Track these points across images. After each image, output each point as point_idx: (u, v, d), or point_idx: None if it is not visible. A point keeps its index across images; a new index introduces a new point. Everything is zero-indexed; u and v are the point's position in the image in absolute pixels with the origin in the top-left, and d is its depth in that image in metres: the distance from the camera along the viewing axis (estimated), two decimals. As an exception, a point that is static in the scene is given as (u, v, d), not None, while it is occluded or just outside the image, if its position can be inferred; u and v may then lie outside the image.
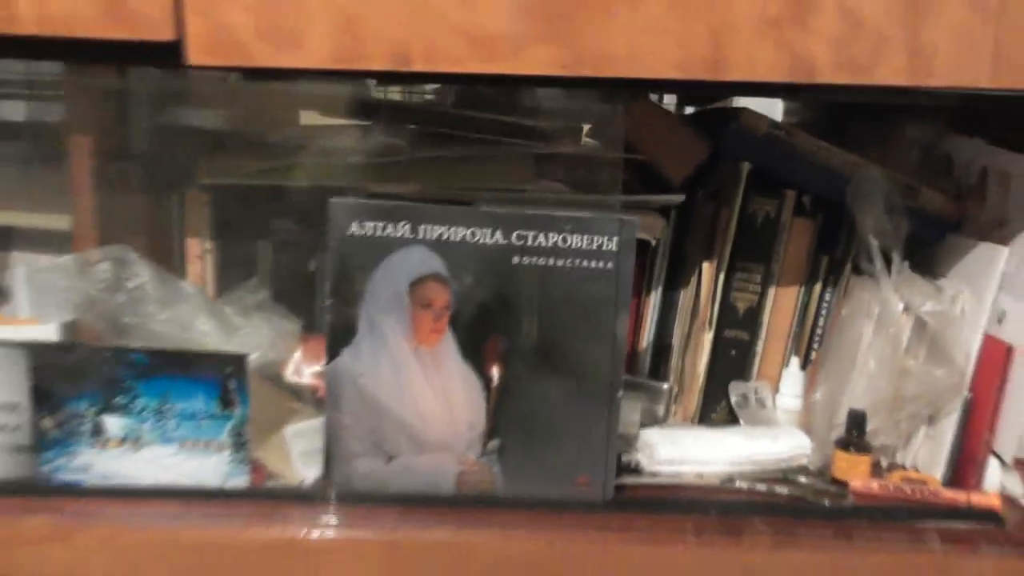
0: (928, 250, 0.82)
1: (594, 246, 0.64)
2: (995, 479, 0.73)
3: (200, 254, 0.80)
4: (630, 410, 0.81)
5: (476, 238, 0.63)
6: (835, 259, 0.82)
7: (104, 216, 0.77)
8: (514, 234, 0.63)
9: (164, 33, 0.56)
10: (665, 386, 0.83)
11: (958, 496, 0.71)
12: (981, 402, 0.73)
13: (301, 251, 0.78)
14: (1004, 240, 0.74)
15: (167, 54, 0.57)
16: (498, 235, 0.63)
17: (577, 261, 0.64)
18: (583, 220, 0.63)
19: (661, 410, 0.83)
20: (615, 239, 0.64)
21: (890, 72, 0.55)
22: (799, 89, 0.82)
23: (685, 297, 0.84)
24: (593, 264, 0.64)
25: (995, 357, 0.72)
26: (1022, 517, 0.69)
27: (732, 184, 0.81)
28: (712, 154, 0.85)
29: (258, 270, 0.80)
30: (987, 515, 0.69)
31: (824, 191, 0.82)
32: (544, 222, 0.64)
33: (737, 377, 0.84)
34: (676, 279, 0.85)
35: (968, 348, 0.73)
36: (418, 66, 0.56)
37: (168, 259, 0.79)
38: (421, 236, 0.63)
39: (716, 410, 0.84)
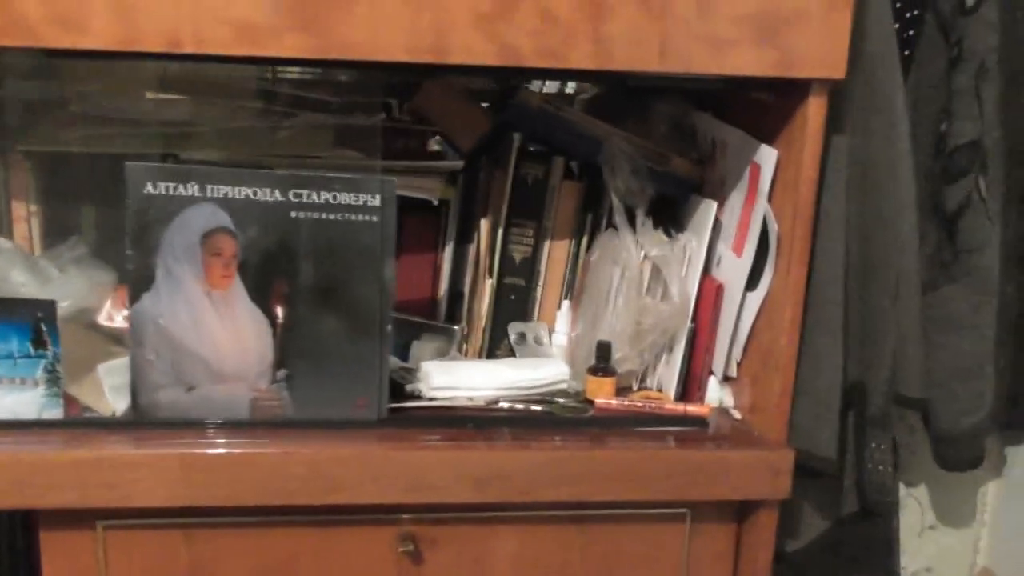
0: (678, 208, 0.97)
1: (360, 202, 0.75)
2: (714, 393, 0.89)
3: (25, 216, 0.88)
4: (423, 349, 0.94)
5: (258, 196, 0.74)
6: (598, 216, 0.97)
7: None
8: (291, 192, 0.74)
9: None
10: (456, 328, 0.96)
11: (677, 407, 0.86)
12: (701, 331, 0.89)
13: (119, 211, 0.87)
14: (720, 197, 0.89)
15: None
16: (276, 193, 0.74)
17: (346, 215, 0.76)
18: (349, 180, 0.75)
19: (453, 349, 0.96)
20: (378, 196, 0.75)
21: (580, 58, 0.68)
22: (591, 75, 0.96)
23: (472, 251, 0.97)
24: (360, 217, 0.76)
25: (710, 294, 0.88)
26: (725, 421, 0.85)
27: (506, 152, 0.94)
28: (497, 127, 0.98)
29: (81, 230, 0.89)
30: (697, 421, 0.85)
31: (587, 157, 0.96)
32: (316, 182, 0.75)
33: (519, 319, 0.98)
34: (466, 235, 0.98)
35: (690, 287, 0.88)
36: (189, 49, 0.66)
37: (-7, 222, 0.87)
38: (209, 195, 0.74)
39: (500, 347, 0.97)
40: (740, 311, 0.86)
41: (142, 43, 0.66)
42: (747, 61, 0.70)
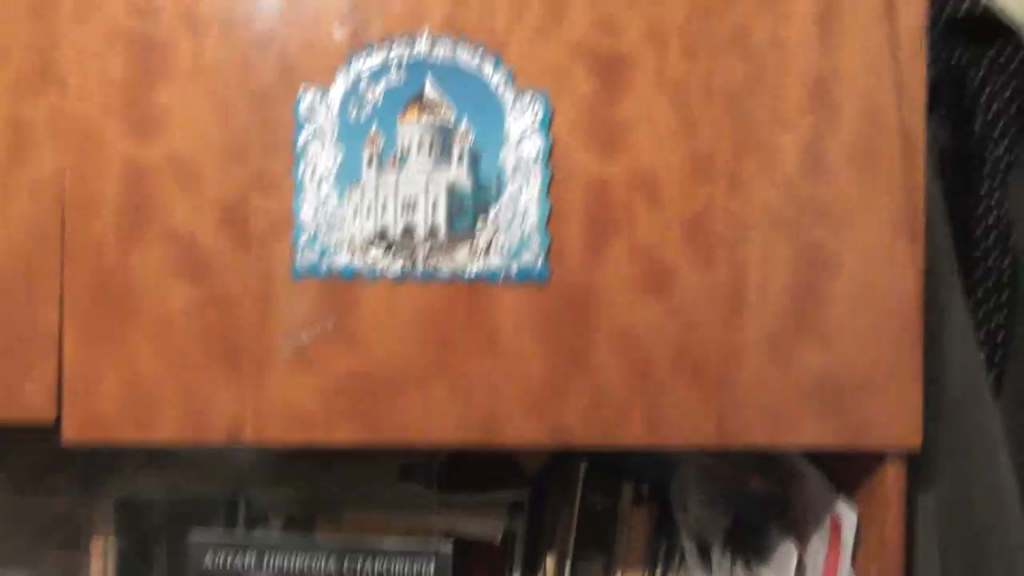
0: (758, 534, 0.91)
1: (414, 572, 0.74)
2: None
3: (102, 552, 0.90)
4: None
5: (313, 566, 0.74)
6: (672, 544, 0.91)
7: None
8: (345, 560, 0.74)
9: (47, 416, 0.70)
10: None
11: None
12: None
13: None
14: (802, 536, 0.83)
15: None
16: (332, 562, 0.74)
17: (400, 583, 0.74)
18: (404, 549, 0.74)
19: None
20: (432, 564, 0.74)
21: (633, 436, 0.67)
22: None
23: (540, 582, 0.92)
24: (414, 585, 0.74)
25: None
26: None
27: (573, 478, 0.91)
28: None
29: (154, 567, 0.90)
30: None
31: (660, 478, 0.92)
32: (371, 551, 0.74)
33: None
34: (532, 568, 0.94)
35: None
36: (248, 440, 0.68)
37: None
38: (266, 566, 0.74)
39: None
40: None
41: (206, 436, 0.69)
42: (812, 433, 0.67)
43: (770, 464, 0.95)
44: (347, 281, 0.68)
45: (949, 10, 0.93)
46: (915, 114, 0.67)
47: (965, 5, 0.94)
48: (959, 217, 0.90)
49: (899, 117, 0.66)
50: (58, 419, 0.70)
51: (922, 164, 0.66)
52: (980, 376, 0.77)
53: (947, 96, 0.94)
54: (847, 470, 0.75)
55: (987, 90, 0.94)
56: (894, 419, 0.67)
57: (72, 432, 0.69)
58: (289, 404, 0.69)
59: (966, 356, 0.76)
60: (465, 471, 0.97)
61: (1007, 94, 0.94)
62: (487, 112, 0.67)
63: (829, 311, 0.67)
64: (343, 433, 0.69)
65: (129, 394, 0.69)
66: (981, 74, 0.95)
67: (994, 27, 0.95)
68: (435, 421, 0.68)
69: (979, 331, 0.87)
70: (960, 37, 0.95)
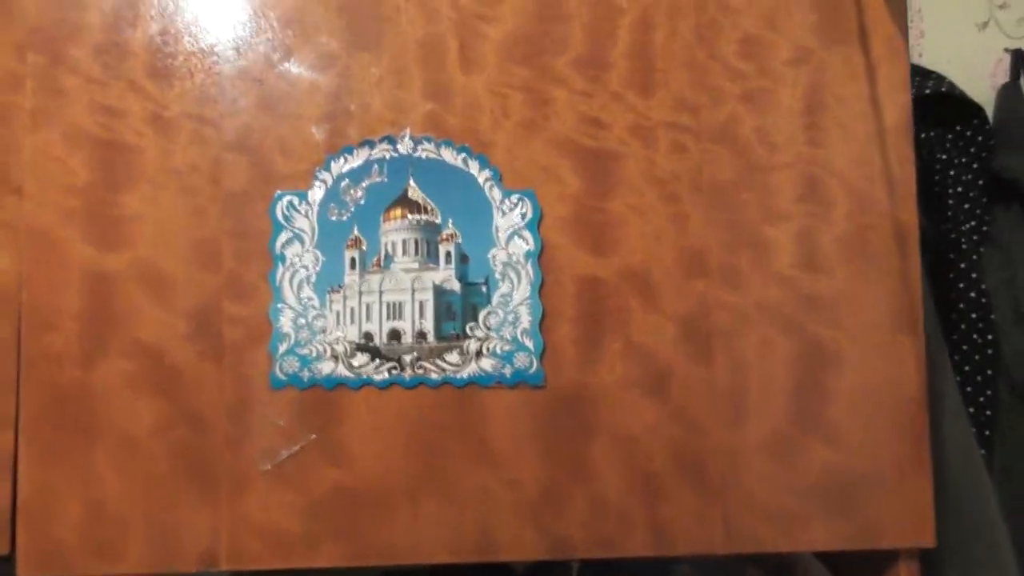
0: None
1: None
2: None
3: None
4: None
5: None
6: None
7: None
8: None
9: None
10: None
11: None
12: None
13: None
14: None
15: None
16: None
17: None
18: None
19: None
20: None
21: (636, 546, 0.64)
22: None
23: None
24: None
25: None
26: None
27: (564, 579, 0.87)
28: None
29: None
30: None
31: (655, 575, 0.88)
32: None
33: None
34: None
35: None
36: (224, 567, 0.63)
37: None
38: None
39: None
40: None
41: (177, 566, 0.63)
42: (822, 535, 0.65)
43: (771, 557, 0.93)
44: (330, 391, 0.64)
45: (914, 90, 0.95)
46: (907, 205, 0.66)
47: (930, 83, 0.96)
48: (940, 296, 0.90)
49: (891, 208, 0.66)
50: (11, 552, 0.64)
51: (917, 254, 0.66)
52: (978, 462, 0.76)
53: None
54: (858, 566, 0.73)
55: (953, 168, 0.96)
56: (906, 516, 0.65)
57: (28, 567, 0.63)
58: (268, 525, 0.64)
59: (964, 442, 0.75)
60: (451, 570, 0.92)
61: (973, 169, 0.96)
62: (474, 212, 0.65)
63: (832, 407, 0.65)
64: (327, 555, 0.64)
65: (91, 522, 0.63)
66: (947, 153, 0.96)
67: (956, 107, 0.97)
68: (426, 537, 0.64)
69: (968, 408, 0.87)
70: (924, 116, 0.97)
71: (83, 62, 0.65)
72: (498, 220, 0.65)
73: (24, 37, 0.65)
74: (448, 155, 0.65)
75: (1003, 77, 1.10)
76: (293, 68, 0.66)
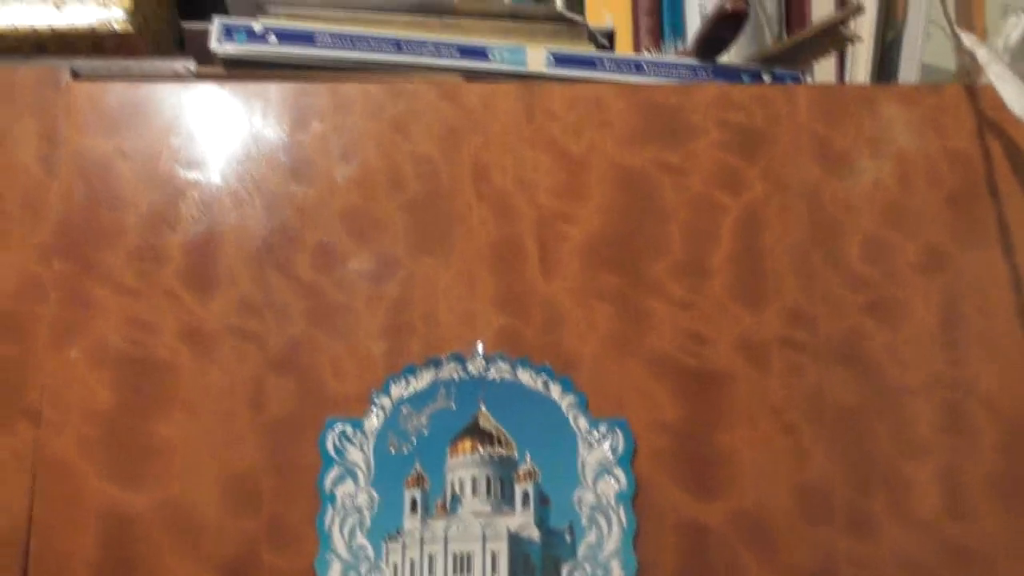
0: None
1: None
2: None
3: None
4: None
5: None
6: None
7: None
8: None
9: None
10: None
11: None
12: None
13: None
14: None
15: None
16: None
17: None
18: None
19: None
20: None
21: None
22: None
23: None
24: None
25: None
26: None
27: None
28: None
29: None
30: None
31: None
32: None
33: None
34: None
35: None
36: None
37: None
38: None
39: None
40: None
41: None
42: None
43: None
44: (383, 661, 0.54)
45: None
46: (1070, 438, 0.56)
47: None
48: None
49: (1052, 443, 0.56)
50: None
51: (1087, 500, 0.56)
52: None
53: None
54: None
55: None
56: None
57: None
58: None
59: None
60: None
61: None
62: (556, 444, 0.55)
63: None
64: None
65: None
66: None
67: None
68: None
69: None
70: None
71: (115, 269, 0.58)
72: (584, 454, 0.55)
73: (50, 239, 0.58)
74: (525, 377, 0.57)
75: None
76: (350, 274, 0.58)
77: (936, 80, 0.77)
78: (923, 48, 0.70)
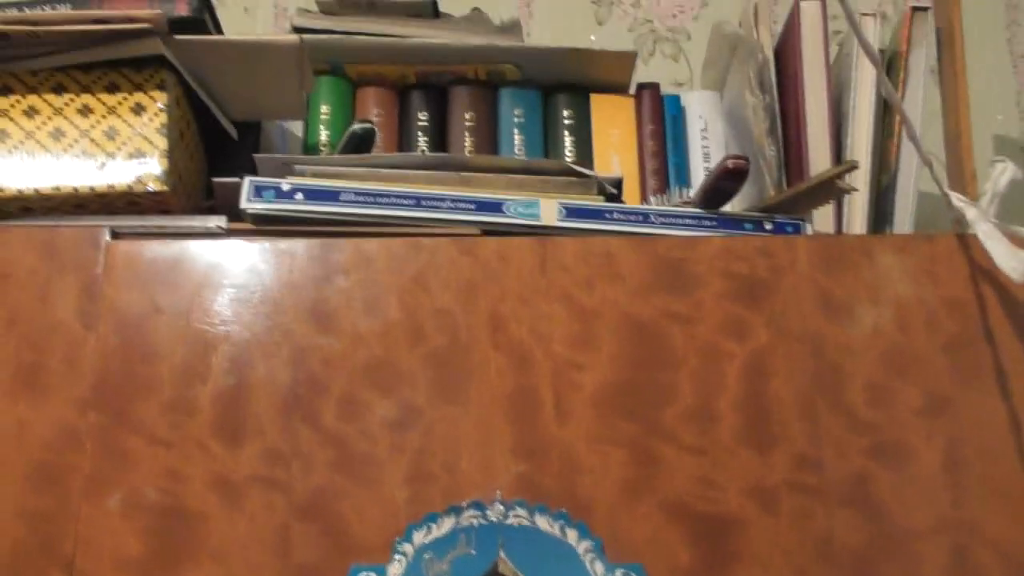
0: None
1: None
2: None
3: None
4: None
5: None
6: None
7: None
8: None
9: None
10: None
11: None
12: None
13: None
14: None
15: None
16: None
17: None
18: None
19: None
20: None
21: None
22: None
23: None
24: None
25: None
26: None
27: None
28: None
29: None
30: None
31: None
32: None
33: None
34: None
35: None
36: None
37: None
38: None
39: None
40: None
41: None
42: None
43: None
44: None
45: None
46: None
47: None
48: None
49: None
50: None
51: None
52: None
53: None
54: None
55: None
56: None
57: None
58: None
59: None
60: None
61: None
62: (574, 589, 0.57)
63: None
64: None
65: None
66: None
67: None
68: None
69: None
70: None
71: (148, 420, 0.60)
72: (602, 600, 0.57)
73: (87, 392, 0.61)
74: (543, 523, 0.58)
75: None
76: (374, 424, 0.60)
77: (933, 210, 0.80)
78: (917, 184, 0.73)
